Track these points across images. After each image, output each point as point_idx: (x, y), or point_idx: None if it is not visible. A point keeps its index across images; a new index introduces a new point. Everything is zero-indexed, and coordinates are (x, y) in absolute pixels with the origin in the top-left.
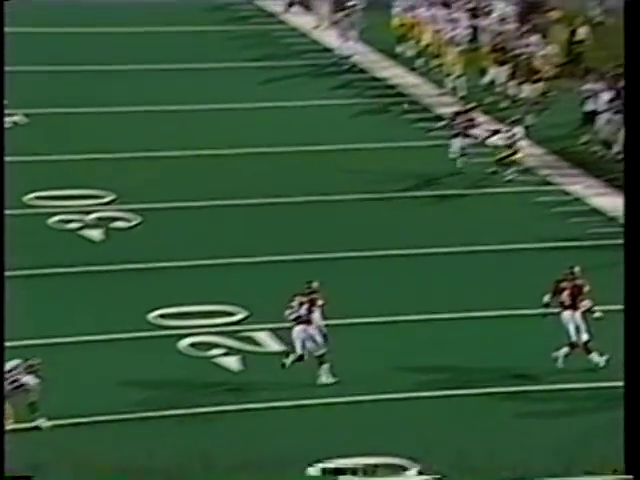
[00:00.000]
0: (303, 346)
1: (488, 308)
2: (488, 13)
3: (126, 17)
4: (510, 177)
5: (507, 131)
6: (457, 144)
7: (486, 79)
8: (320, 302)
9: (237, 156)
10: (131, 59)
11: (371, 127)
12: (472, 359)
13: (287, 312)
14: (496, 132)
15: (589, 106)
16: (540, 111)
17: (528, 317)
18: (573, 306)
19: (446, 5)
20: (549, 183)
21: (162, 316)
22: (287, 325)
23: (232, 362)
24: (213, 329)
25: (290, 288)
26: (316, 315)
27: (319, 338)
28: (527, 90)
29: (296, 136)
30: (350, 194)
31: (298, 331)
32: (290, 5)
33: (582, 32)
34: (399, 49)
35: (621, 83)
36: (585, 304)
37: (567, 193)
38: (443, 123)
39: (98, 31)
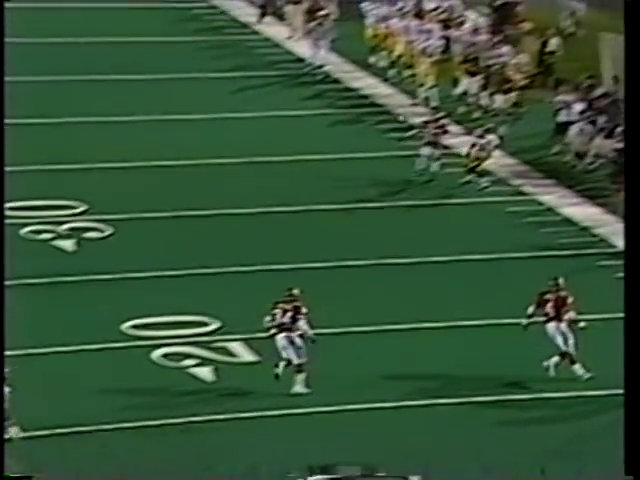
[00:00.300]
0: (287, 353)
1: (464, 317)
2: (460, 24)
3: (98, 27)
4: (482, 185)
5: (480, 139)
6: (426, 152)
7: (458, 89)
8: (304, 310)
9: (210, 166)
10: (103, 69)
11: (345, 137)
12: (450, 368)
13: (267, 319)
14: (471, 142)
15: (562, 117)
16: (512, 121)
17: (507, 326)
18: (557, 317)
19: (419, 16)
20: (522, 193)
21: (135, 327)
22: (261, 335)
23: (205, 372)
24: (186, 339)
25: (263, 298)
26: (301, 323)
27: (302, 346)
28: (499, 100)
29: (269, 146)
30: (324, 204)
31: (281, 339)
32: (263, 15)
33: (553, 43)
34: (372, 59)
35: (593, 94)
36: (570, 316)
37: (540, 203)
38: (413, 132)
39: (69, 41)
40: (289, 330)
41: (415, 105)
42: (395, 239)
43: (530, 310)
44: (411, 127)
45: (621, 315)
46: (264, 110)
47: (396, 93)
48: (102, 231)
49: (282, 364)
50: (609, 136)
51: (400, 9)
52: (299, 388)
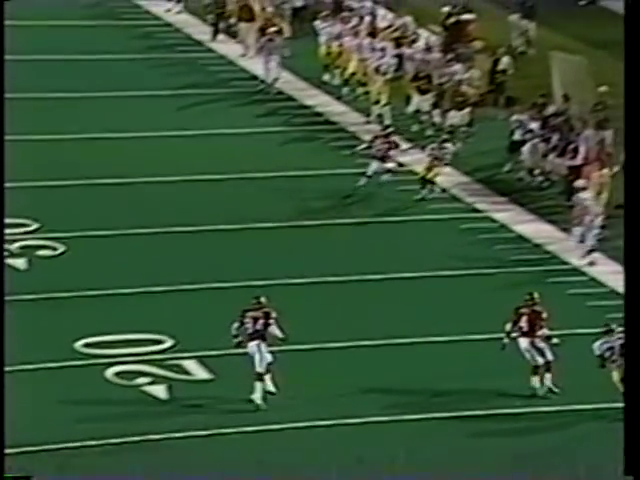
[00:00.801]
0: (260, 363)
1: (422, 334)
2: (413, 42)
3: (48, 44)
4: (432, 196)
5: (435, 150)
6: (373, 167)
7: (411, 107)
8: (274, 314)
9: (163, 184)
10: (53, 86)
11: (299, 154)
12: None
13: (234, 326)
14: (427, 152)
15: (517, 135)
16: (465, 139)
17: (464, 342)
18: (531, 332)
19: (372, 34)
20: (475, 210)
21: (88, 345)
22: (214, 353)
23: (159, 390)
24: (140, 357)
25: (216, 315)
26: (273, 328)
27: (266, 351)
28: (451, 118)
29: (223, 164)
30: (277, 221)
31: (253, 347)
32: (216, 33)
33: (504, 62)
34: (326, 77)
35: (546, 112)
36: (543, 332)
37: (493, 220)
38: (363, 146)
39: (17, 58)
40: (262, 338)
41: (368, 123)
42: (350, 255)
43: (508, 327)
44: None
45: (573, 331)
46: (217, 128)
47: (350, 111)
48: (54, 249)
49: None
50: (562, 154)
51: (353, 27)
52: (258, 396)
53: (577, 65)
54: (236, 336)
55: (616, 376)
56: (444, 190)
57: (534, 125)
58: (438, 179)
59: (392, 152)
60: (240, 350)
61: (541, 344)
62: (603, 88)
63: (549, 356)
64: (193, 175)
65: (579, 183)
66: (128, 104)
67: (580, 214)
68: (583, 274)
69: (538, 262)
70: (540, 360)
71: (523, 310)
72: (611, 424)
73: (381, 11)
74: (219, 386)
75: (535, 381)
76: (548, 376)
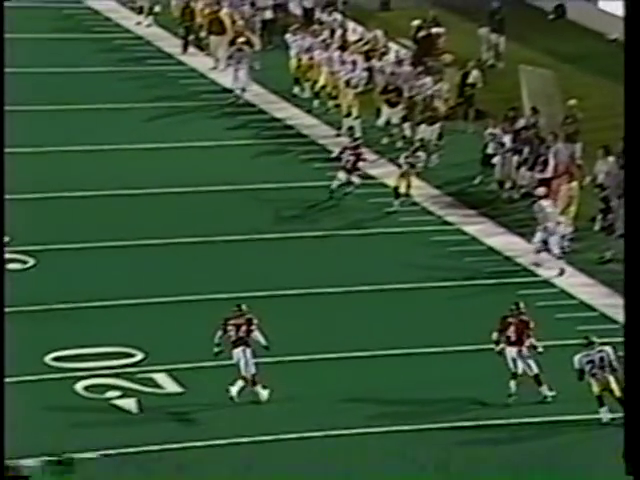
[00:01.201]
0: (246, 368)
1: (386, 346)
2: (383, 55)
3: (18, 56)
4: (404, 208)
5: (408, 158)
6: (341, 178)
7: (381, 120)
8: (256, 320)
9: (134, 196)
10: (23, 99)
11: (270, 167)
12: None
13: (217, 335)
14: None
15: (490, 148)
16: (435, 152)
17: (435, 355)
18: (519, 342)
19: (343, 47)
20: (446, 223)
21: (58, 358)
22: (184, 366)
23: (130, 404)
24: (110, 371)
25: (187, 328)
26: (256, 334)
27: (251, 358)
28: (422, 131)
29: (194, 176)
30: (248, 234)
31: (238, 353)
32: (186, 46)
33: (474, 75)
34: (296, 90)
35: (518, 125)
36: (531, 341)
37: (464, 233)
38: (334, 155)
39: None
40: (245, 344)
41: (339, 135)
42: (321, 267)
43: (494, 336)
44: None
45: (543, 343)
46: (188, 140)
47: (320, 124)
48: (24, 262)
49: (237, 384)
50: (532, 168)
51: (323, 40)
52: (264, 395)
53: (545, 78)
54: (218, 344)
55: (595, 388)
56: (415, 203)
57: (506, 138)
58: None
59: (360, 164)
60: (211, 363)
61: (527, 354)
62: (572, 102)
63: (534, 368)
64: (163, 188)
65: (539, 191)
66: (98, 117)
67: (541, 221)
68: (553, 286)
69: (508, 274)
70: (524, 368)
71: (510, 320)
72: (587, 433)
73: (351, 24)
74: (189, 399)
75: (513, 385)
76: (543, 388)
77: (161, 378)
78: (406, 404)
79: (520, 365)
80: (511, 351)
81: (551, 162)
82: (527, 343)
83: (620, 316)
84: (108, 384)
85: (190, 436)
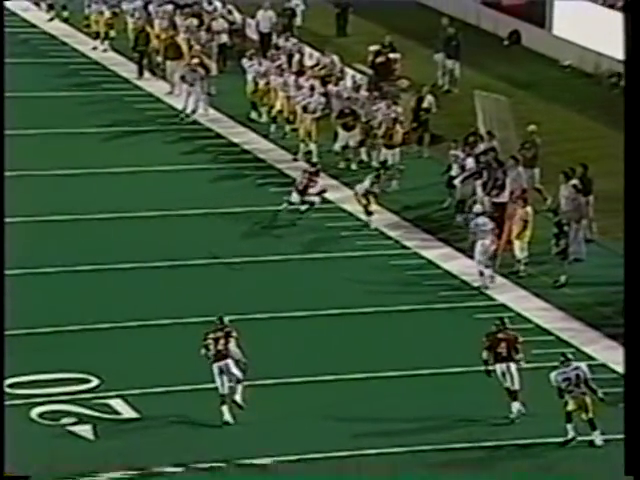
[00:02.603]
0: (222, 383)
1: (341, 371)
2: (340, 80)
3: None
4: (359, 232)
5: (372, 182)
6: (294, 199)
7: (337, 145)
8: (235, 334)
9: (88, 221)
10: None
11: (227, 191)
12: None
13: (202, 352)
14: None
15: (453, 170)
16: (396, 177)
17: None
18: (509, 357)
19: (300, 72)
20: (403, 247)
21: (12, 385)
22: (140, 392)
23: (85, 430)
24: (65, 397)
25: (142, 353)
26: (232, 346)
27: (235, 371)
28: (383, 154)
29: (151, 201)
30: (205, 258)
31: (218, 367)
32: (141, 70)
33: (428, 100)
34: (253, 115)
35: (477, 149)
36: (520, 355)
37: (421, 257)
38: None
39: None
40: (224, 357)
41: (296, 160)
42: (278, 291)
43: (484, 355)
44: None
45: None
46: (144, 165)
47: (277, 148)
48: None
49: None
50: (489, 193)
51: (279, 65)
52: (228, 417)
53: (499, 104)
54: (208, 358)
55: (571, 406)
56: (374, 228)
57: (469, 161)
58: (364, 216)
59: (310, 189)
60: (167, 388)
61: (514, 369)
62: (532, 127)
63: (517, 385)
64: (120, 212)
65: (477, 208)
66: (54, 142)
67: (477, 238)
68: (510, 310)
69: (465, 298)
70: (512, 384)
71: (500, 336)
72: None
73: (307, 49)
74: (145, 425)
75: (515, 406)
76: (516, 404)
77: (117, 404)
78: (367, 425)
79: (507, 380)
80: (501, 367)
81: (507, 186)
82: (517, 357)
83: (575, 340)
84: (64, 410)
85: (151, 461)
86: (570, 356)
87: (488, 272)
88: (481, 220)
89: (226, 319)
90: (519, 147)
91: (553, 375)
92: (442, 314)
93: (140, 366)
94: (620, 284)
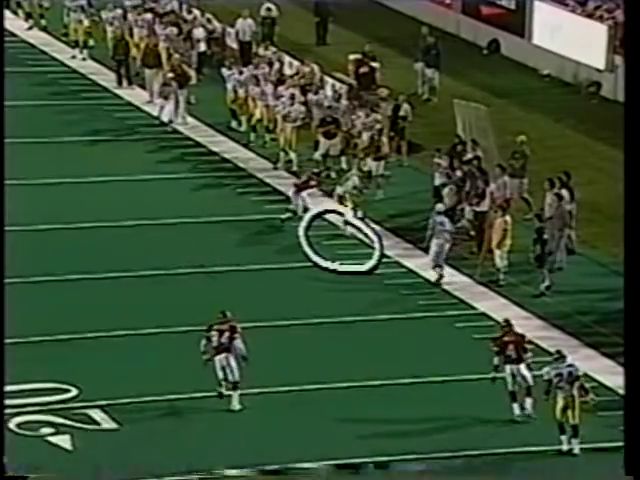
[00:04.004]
0: (225, 375)
1: (321, 381)
2: (320, 89)
3: None
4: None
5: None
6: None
7: (317, 153)
8: (239, 329)
9: (65, 230)
10: None
11: (207, 200)
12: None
13: (202, 343)
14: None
15: (437, 179)
16: (378, 185)
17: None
18: (519, 359)
19: (280, 81)
20: (383, 256)
21: None
22: (119, 402)
23: (64, 440)
24: (44, 407)
25: (121, 363)
26: (238, 342)
27: (235, 365)
28: (361, 164)
29: (130, 210)
30: (186, 268)
31: (220, 360)
32: (120, 79)
33: (404, 108)
34: (233, 124)
35: (462, 158)
36: (528, 354)
37: (402, 266)
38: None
39: None
40: (227, 350)
41: (276, 169)
42: (260, 300)
43: (495, 361)
44: (275, 191)
45: (480, 376)
46: (124, 174)
47: (257, 157)
48: None
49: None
50: (471, 202)
51: (260, 74)
52: (236, 404)
53: (478, 113)
54: (204, 352)
55: (561, 402)
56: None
57: (451, 169)
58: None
59: (305, 191)
60: (147, 398)
61: (524, 369)
62: (522, 137)
63: (530, 381)
64: (100, 222)
65: (439, 207)
66: (32, 151)
67: (435, 235)
68: (490, 319)
69: (445, 307)
70: (522, 384)
71: (507, 338)
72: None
73: (287, 58)
74: (124, 436)
75: (516, 408)
76: (529, 400)
77: (96, 414)
78: (345, 436)
79: (515, 382)
80: (512, 368)
81: (488, 195)
82: (526, 357)
83: (555, 348)
84: (42, 421)
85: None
86: (565, 353)
87: (438, 271)
88: (440, 219)
89: (229, 314)
90: (509, 157)
91: (546, 369)
92: (421, 323)
93: (119, 376)
94: (600, 292)
